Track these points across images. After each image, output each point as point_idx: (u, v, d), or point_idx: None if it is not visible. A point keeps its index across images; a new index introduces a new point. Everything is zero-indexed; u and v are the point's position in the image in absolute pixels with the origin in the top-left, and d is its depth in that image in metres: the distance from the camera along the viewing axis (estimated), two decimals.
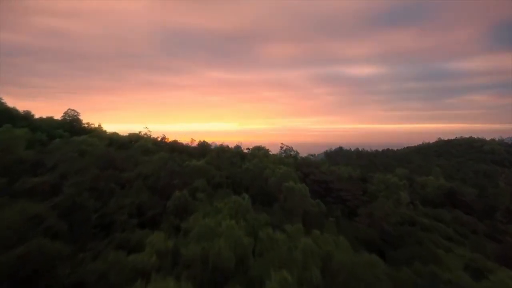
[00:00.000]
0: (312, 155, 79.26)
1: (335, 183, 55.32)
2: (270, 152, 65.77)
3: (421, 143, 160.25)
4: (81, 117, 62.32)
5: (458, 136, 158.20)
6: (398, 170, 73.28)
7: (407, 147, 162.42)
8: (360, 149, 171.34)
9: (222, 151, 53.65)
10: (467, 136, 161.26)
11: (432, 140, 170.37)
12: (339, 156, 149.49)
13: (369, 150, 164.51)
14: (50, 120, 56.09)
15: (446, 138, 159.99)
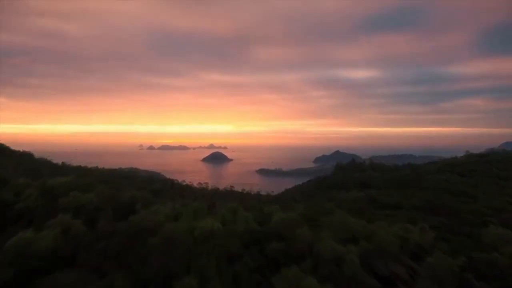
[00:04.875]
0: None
1: None
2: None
3: (449, 157, 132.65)
4: None
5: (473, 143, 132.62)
6: (494, 231, 39.12)
7: (433, 162, 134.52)
8: (372, 159, 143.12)
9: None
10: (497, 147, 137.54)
11: (448, 151, 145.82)
12: (353, 171, 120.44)
13: (385, 162, 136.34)
14: None
15: (477, 152, 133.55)
